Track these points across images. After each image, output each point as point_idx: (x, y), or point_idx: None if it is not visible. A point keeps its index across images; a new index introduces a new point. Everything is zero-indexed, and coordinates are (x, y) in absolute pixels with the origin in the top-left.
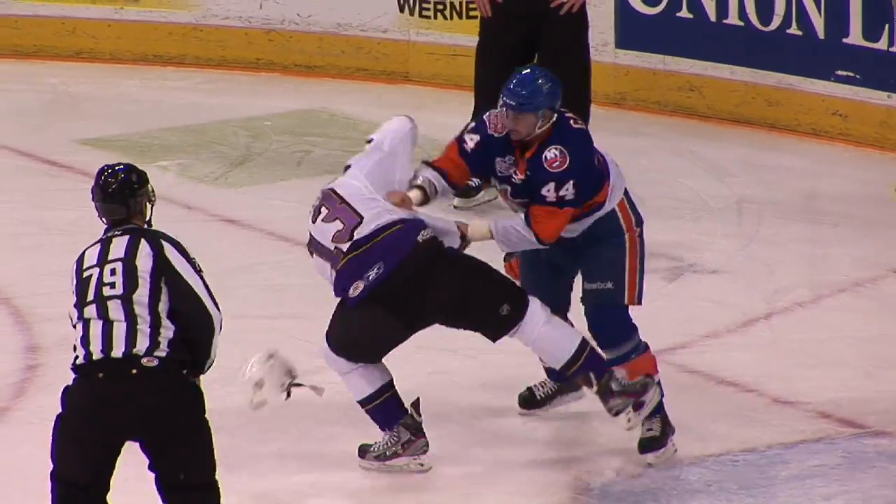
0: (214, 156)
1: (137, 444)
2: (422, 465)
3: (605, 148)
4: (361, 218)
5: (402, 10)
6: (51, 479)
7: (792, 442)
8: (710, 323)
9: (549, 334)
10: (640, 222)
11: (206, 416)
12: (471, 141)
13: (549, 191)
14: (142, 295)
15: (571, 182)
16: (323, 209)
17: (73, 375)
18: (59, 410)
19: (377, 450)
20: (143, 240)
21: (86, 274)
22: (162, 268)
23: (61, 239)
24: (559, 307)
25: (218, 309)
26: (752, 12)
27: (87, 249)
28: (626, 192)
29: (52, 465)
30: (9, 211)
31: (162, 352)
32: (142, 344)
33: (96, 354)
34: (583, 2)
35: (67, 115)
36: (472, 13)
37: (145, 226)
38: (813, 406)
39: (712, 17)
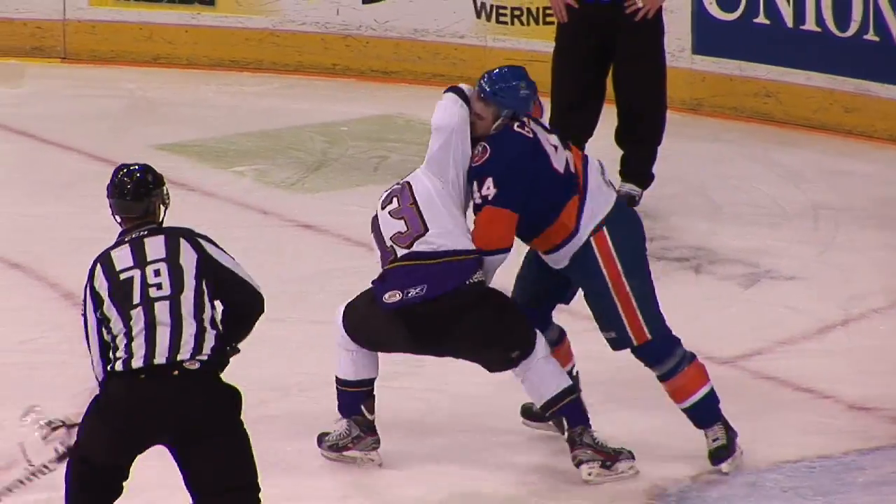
0: (291, 161)
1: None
2: (373, 459)
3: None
4: (426, 230)
5: (478, 15)
6: (70, 454)
7: (868, 448)
8: (786, 329)
9: (540, 371)
10: (630, 263)
11: (240, 417)
12: None
13: (476, 190)
14: (187, 297)
15: (491, 179)
16: (394, 200)
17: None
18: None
19: (331, 440)
20: (181, 239)
21: (123, 276)
22: (206, 266)
23: None
24: (544, 304)
25: (258, 288)
26: (829, 18)
27: (110, 252)
28: (616, 227)
29: (75, 440)
30: (85, 216)
31: (203, 356)
32: (185, 349)
33: (137, 363)
34: (659, 8)
35: (144, 121)
36: (548, 19)
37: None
38: (889, 412)
39: (789, 23)
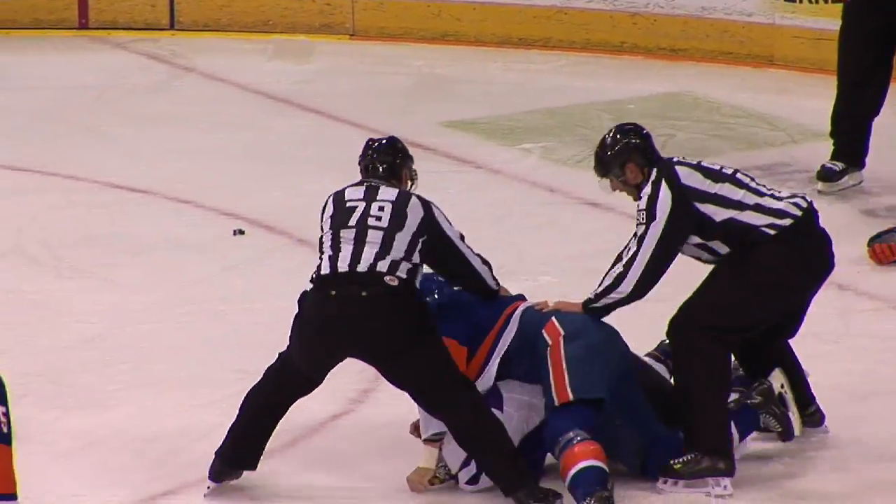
0: (577, 139)
1: None
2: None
3: None
4: None
5: None
6: (279, 355)
7: None
8: None
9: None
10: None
11: (430, 331)
12: None
13: None
14: (402, 236)
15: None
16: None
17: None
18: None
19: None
20: (413, 196)
21: (349, 204)
22: (427, 227)
23: None
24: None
25: (487, 265)
26: None
27: (346, 188)
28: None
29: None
30: None
31: (402, 273)
32: (386, 264)
33: (342, 267)
34: None
35: (432, 98)
36: None
37: None
38: None
39: None
